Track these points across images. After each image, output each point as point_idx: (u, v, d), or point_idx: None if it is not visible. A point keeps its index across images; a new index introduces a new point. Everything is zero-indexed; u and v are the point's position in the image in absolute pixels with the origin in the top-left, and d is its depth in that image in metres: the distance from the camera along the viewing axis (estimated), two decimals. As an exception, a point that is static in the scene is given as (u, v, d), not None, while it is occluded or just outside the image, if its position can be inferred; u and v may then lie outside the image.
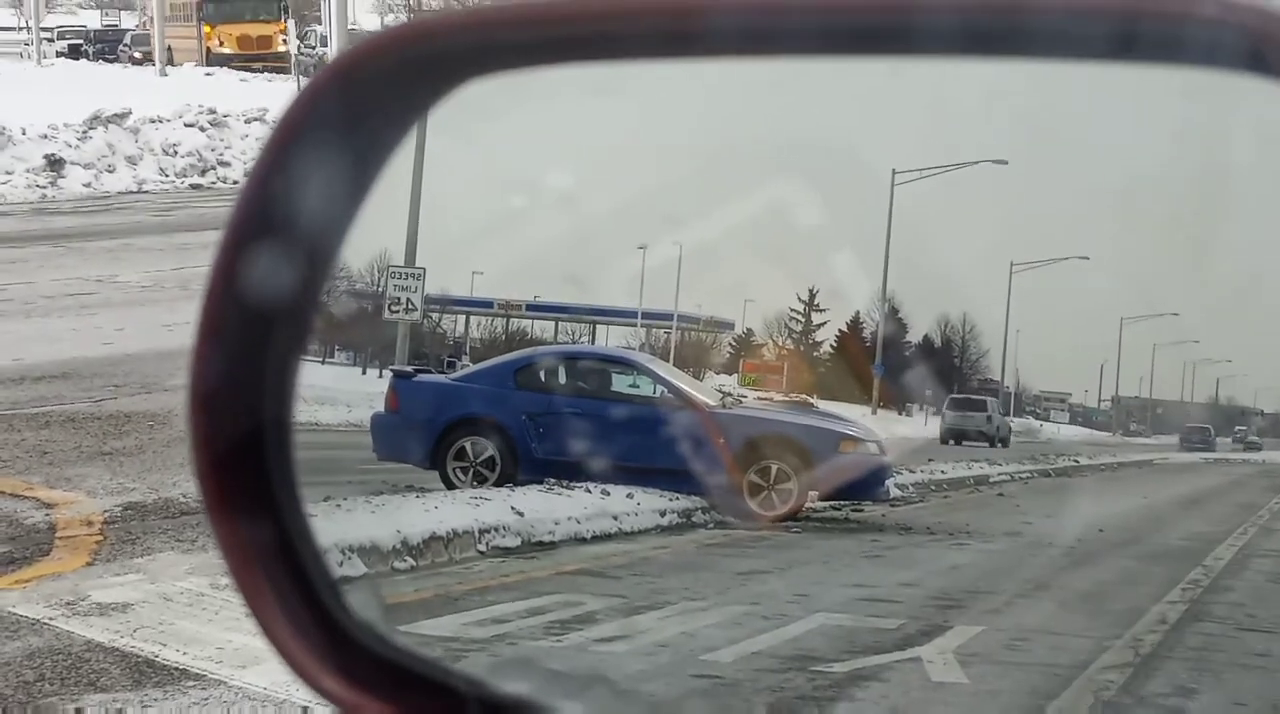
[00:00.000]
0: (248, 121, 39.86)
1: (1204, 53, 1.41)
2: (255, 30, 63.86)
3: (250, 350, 1.65)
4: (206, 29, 63.02)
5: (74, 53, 67.87)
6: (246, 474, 1.69)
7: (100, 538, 10.91)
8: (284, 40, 62.59)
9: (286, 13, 64.46)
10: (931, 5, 1.48)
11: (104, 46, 69.51)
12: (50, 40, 70.85)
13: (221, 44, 63.90)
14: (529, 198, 18.31)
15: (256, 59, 61.32)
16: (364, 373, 28.94)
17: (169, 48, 62.46)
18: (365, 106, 1.64)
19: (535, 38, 1.64)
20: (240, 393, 1.66)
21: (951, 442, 24.74)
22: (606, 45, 1.66)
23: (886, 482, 15.98)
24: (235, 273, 1.62)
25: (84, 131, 37.67)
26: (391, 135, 1.70)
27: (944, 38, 1.47)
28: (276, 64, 59.96)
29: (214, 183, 37.68)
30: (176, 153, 38.91)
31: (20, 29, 69.76)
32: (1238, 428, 34.07)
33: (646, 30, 1.59)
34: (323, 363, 28.08)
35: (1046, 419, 35.13)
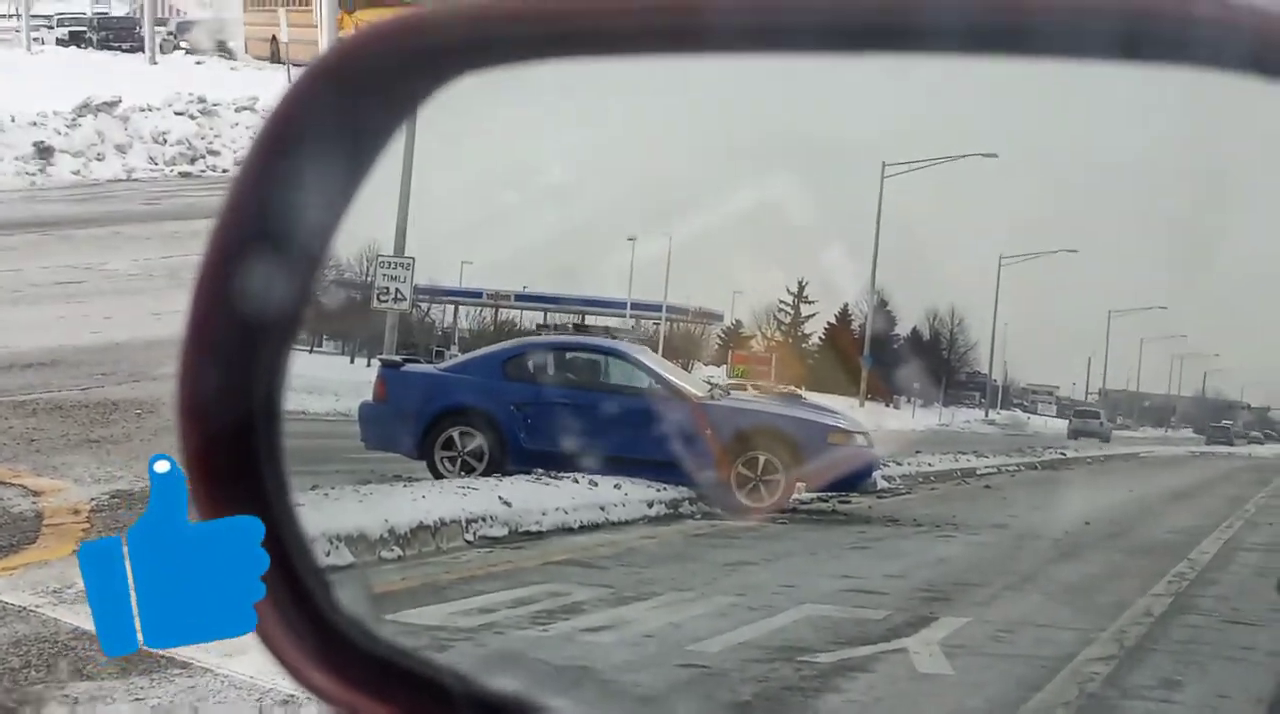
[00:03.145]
0: (238, 110, 39.76)
1: (1207, 54, 1.40)
2: None
3: (240, 353, 1.65)
4: (342, 16, 55.61)
5: (75, 40, 66.90)
6: (234, 466, 1.68)
7: (87, 526, 10.89)
8: None
9: None
10: (934, 3, 1.48)
11: (107, 34, 68.46)
12: (50, 27, 70.17)
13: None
14: (521, 191, 18.28)
15: None
16: (352, 362, 28.88)
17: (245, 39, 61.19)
18: (356, 103, 1.63)
19: (529, 33, 1.64)
20: (228, 396, 1.65)
21: (1076, 437, 32.97)
22: (602, 41, 1.65)
23: (874, 473, 16.00)
24: (224, 277, 1.61)
25: (73, 119, 37.55)
26: (383, 131, 1.69)
27: (945, 36, 1.47)
28: None
29: (203, 171, 37.58)
30: (166, 141, 38.80)
31: (13, 16, 69.15)
32: (1225, 422, 34.46)
33: (643, 26, 1.58)
34: (310, 352, 28.04)
35: (1034, 412, 35.27)
